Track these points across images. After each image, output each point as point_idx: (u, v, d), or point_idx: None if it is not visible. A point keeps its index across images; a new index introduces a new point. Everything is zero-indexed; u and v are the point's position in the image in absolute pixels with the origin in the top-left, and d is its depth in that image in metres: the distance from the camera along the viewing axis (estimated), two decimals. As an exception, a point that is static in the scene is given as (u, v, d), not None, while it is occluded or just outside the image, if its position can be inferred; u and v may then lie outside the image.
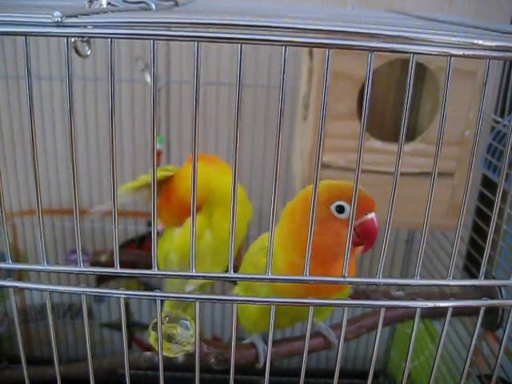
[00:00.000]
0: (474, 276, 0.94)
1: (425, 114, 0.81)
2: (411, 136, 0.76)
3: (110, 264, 1.10)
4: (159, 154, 1.02)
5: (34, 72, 1.00)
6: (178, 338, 0.52)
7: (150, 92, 0.31)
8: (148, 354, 0.72)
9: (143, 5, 0.50)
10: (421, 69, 0.73)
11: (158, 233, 0.82)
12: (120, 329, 1.40)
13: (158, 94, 1.05)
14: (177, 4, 0.66)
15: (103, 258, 0.91)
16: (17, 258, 1.13)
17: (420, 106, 0.82)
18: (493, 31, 0.42)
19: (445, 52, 0.27)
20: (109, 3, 0.43)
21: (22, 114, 1.06)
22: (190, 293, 0.43)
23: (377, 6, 1.00)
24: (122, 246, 1.08)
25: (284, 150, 0.87)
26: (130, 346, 1.23)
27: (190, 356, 0.58)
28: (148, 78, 0.98)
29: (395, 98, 0.88)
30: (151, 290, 0.41)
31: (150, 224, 1.11)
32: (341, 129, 0.72)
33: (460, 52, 0.27)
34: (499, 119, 0.85)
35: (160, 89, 1.04)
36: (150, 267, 1.00)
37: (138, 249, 1.03)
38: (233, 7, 0.66)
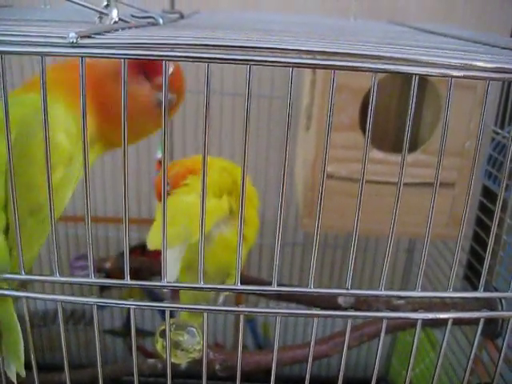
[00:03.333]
0: (474, 285, 0.95)
1: (426, 124, 0.82)
2: (412, 147, 0.77)
3: (116, 271, 1.10)
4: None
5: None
6: (185, 345, 0.53)
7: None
8: (151, 360, 0.73)
9: (151, 20, 0.52)
10: (422, 80, 0.74)
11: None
12: (122, 336, 1.38)
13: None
14: (182, 16, 0.67)
15: (108, 265, 0.92)
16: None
17: (421, 117, 0.83)
18: (492, 46, 0.43)
19: (446, 73, 0.29)
20: (119, 18, 0.44)
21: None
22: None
23: (379, 15, 1.01)
24: (126, 253, 1.08)
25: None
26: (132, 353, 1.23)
27: (194, 362, 0.59)
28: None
29: (397, 110, 0.89)
30: (154, 297, 0.42)
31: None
32: (343, 139, 0.73)
33: (460, 73, 0.29)
34: (499, 130, 0.86)
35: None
36: (153, 274, 1.00)
37: (142, 255, 1.04)
38: (237, 21, 0.68)
